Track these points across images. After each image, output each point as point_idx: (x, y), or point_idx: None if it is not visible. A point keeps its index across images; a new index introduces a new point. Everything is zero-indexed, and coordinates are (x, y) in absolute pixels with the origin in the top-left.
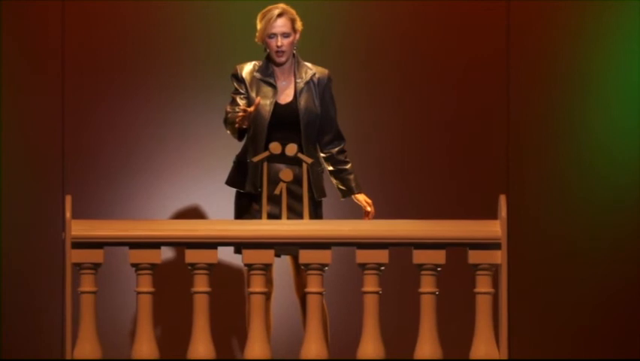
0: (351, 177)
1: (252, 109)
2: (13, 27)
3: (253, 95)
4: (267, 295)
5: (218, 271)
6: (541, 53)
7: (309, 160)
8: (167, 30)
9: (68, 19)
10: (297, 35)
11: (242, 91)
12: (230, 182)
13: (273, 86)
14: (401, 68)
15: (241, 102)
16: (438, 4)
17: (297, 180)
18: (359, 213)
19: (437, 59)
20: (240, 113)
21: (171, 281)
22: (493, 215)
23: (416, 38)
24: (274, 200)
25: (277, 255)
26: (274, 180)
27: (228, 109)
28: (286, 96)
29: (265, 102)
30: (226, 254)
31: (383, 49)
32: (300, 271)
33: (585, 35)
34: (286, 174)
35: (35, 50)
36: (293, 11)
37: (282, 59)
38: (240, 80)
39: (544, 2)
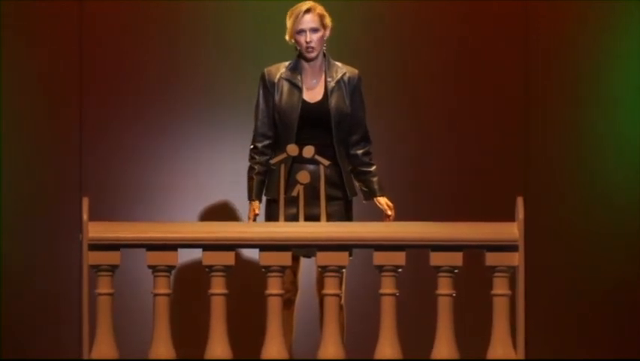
0: (375, 179)
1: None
2: (31, 29)
3: (277, 97)
4: (292, 300)
5: (240, 272)
6: (559, 54)
7: (326, 162)
8: (187, 30)
9: (86, 20)
10: (327, 32)
11: (264, 101)
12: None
13: (298, 87)
14: (416, 70)
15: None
16: (459, 4)
17: (327, 181)
18: (379, 215)
19: (453, 61)
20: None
21: (188, 283)
22: (510, 217)
23: (433, 39)
24: (297, 202)
25: (307, 256)
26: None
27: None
28: (316, 95)
29: (292, 102)
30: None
31: (399, 51)
32: None
33: (607, 36)
34: (303, 176)
35: (53, 51)
36: (321, 7)
37: (312, 55)
38: (266, 85)
39: (562, 2)
